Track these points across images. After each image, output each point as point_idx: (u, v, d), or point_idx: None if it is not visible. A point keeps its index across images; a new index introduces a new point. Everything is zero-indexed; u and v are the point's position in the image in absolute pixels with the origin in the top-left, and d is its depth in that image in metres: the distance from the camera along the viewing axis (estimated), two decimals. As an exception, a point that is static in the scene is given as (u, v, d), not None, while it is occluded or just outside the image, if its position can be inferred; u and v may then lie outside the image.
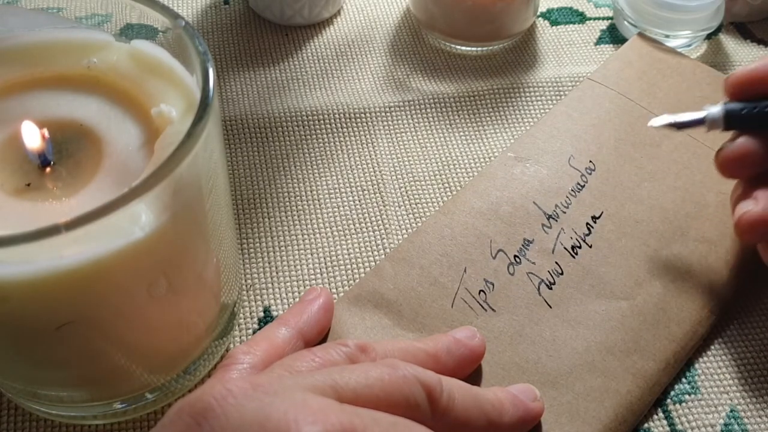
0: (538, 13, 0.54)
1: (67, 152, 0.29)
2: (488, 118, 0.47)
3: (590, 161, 0.42)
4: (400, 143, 0.45)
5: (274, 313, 0.38)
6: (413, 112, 0.47)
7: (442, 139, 0.46)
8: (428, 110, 0.47)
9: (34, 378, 0.31)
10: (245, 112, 0.46)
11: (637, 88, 0.46)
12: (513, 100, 0.48)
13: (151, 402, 0.33)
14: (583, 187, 0.41)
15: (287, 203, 0.42)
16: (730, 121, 0.36)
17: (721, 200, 0.41)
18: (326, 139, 0.45)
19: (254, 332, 0.37)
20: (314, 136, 0.45)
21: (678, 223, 0.40)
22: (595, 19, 0.54)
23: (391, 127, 0.46)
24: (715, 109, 0.37)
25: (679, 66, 0.47)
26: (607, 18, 0.54)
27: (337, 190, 0.43)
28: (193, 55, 0.29)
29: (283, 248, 0.40)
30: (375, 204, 0.42)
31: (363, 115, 0.47)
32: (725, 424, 0.35)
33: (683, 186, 0.41)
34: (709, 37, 0.53)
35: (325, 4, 0.51)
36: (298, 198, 0.42)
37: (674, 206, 0.40)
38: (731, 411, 0.35)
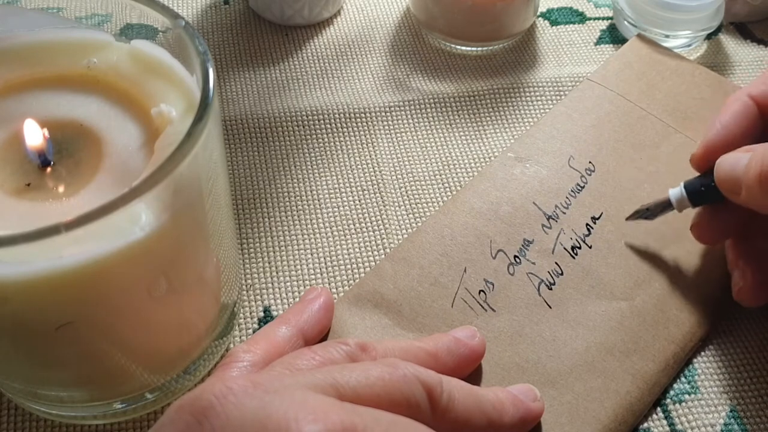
0: (538, 13, 0.54)
1: (67, 152, 0.29)
2: (488, 118, 0.47)
3: (590, 162, 0.42)
4: (400, 143, 0.45)
5: (274, 313, 0.38)
6: (413, 112, 0.47)
7: (442, 139, 0.46)
8: (428, 110, 0.47)
9: (34, 378, 0.31)
10: (245, 112, 0.46)
11: (637, 89, 0.46)
12: (513, 100, 0.48)
13: (151, 402, 0.33)
14: (582, 188, 0.41)
15: (287, 203, 0.42)
16: (693, 197, 0.37)
17: None
18: (326, 139, 0.45)
19: (254, 332, 0.37)
20: (314, 136, 0.45)
21: (677, 224, 0.40)
22: (595, 19, 0.54)
23: (391, 127, 0.46)
24: (677, 191, 0.37)
25: (678, 68, 0.47)
26: (607, 18, 0.54)
27: (337, 190, 0.43)
28: (193, 55, 0.29)
29: (283, 248, 0.40)
30: (375, 204, 0.42)
31: (363, 115, 0.47)
32: (725, 424, 0.35)
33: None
34: (709, 37, 0.53)
35: (325, 4, 0.51)
36: (298, 198, 0.42)
37: None
38: (731, 411, 0.35)
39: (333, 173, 0.44)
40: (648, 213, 0.39)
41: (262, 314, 0.38)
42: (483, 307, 0.36)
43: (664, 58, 0.48)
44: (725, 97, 0.41)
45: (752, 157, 0.33)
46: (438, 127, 0.47)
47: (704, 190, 0.36)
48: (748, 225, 0.37)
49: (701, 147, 0.37)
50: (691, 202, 0.37)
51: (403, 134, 0.46)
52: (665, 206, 0.38)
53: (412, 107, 0.47)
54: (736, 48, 0.53)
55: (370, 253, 0.40)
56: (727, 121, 0.37)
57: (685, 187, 0.37)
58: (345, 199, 0.43)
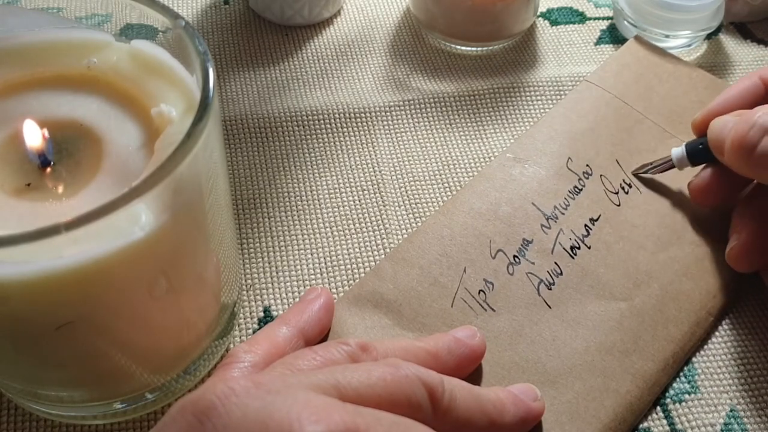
0: (538, 13, 0.54)
1: (67, 152, 0.29)
2: (488, 118, 0.47)
3: (587, 165, 0.42)
4: (400, 143, 0.45)
5: (274, 313, 0.38)
6: (413, 112, 0.47)
7: (442, 139, 0.46)
8: (428, 110, 0.47)
9: (34, 378, 0.31)
10: (245, 112, 0.46)
11: (634, 91, 0.46)
12: (513, 100, 0.48)
13: (151, 402, 0.33)
14: (580, 190, 0.41)
15: (287, 203, 0.42)
16: (692, 157, 0.40)
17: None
18: (326, 139, 0.45)
19: (254, 332, 0.37)
20: (314, 136, 0.45)
21: (674, 227, 0.40)
22: (595, 19, 0.54)
23: (391, 127, 0.46)
24: (678, 150, 0.41)
25: (675, 70, 0.47)
26: (607, 18, 0.54)
27: (337, 190, 0.43)
28: (193, 55, 0.29)
29: (283, 248, 0.40)
30: (375, 204, 0.42)
31: (363, 115, 0.47)
32: (725, 424, 0.35)
33: (679, 191, 0.41)
34: (709, 37, 0.53)
35: (325, 4, 0.51)
36: (298, 198, 0.42)
37: (670, 211, 0.41)
38: (731, 411, 0.35)
39: (333, 173, 0.44)
40: (652, 168, 0.41)
41: (262, 314, 0.38)
42: (483, 307, 0.36)
43: (662, 60, 0.48)
44: None
45: (736, 121, 0.36)
46: (438, 127, 0.47)
47: (701, 148, 0.39)
48: (756, 188, 0.39)
49: (702, 112, 0.40)
50: (690, 161, 0.40)
51: (403, 134, 0.46)
52: (667, 163, 0.41)
53: (412, 107, 0.47)
54: (736, 48, 0.53)
55: (370, 253, 0.40)
56: (732, 94, 0.40)
57: (685, 145, 0.40)
58: (345, 199, 0.43)
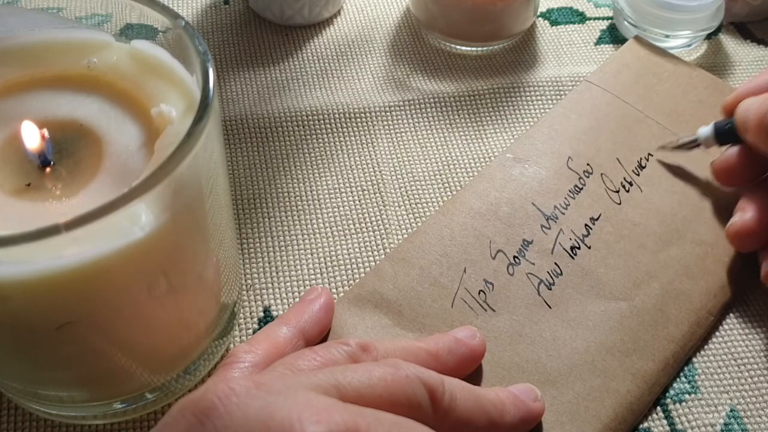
0: (538, 13, 0.54)
1: (67, 152, 0.29)
2: (488, 118, 0.47)
3: (588, 164, 0.42)
4: (400, 143, 0.45)
5: (274, 313, 0.38)
6: (413, 112, 0.47)
7: (442, 139, 0.46)
8: (428, 110, 0.47)
9: (34, 378, 0.31)
10: (245, 112, 0.46)
11: (634, 91, 0.46)
12: (513, 100, 0.48)
13: (151, 402, 0.33)
14: (581, 189, 0.41)
15: (287, 203, 0.42)
16: (719, 136, 0.40)
17: (717, 203, 0.41)
18: (326, 139, 0.45)
19: (254, 332, 0.37)
20: (314, 136, 0.45)
21: (675, 226, 0.40)
22: (595, 19, 0.54)
23: (391, 127, 0.46)
24: (706, 128, 0.41)
25: (675, 70, 0.47)
26: (607, 18, 0.54)
27: (337, 190, 0.43)
28: (193, 55, 0.29)
29: (283, 248, 0.40)
30: (375, 204, 0.42)
31: (363, 115, 0.47)
32: (725, 424, 0.35)
33: (680, 190, 0.41)
34: (709, 37, 0.53)
35: (325, 4, 0.51)
36: (298, 198, 0.42)
37: (671, 209, 0.41)
38: (731, 411, 0.35)
39: (333, 173, 0.44)
40: (678, 146, 0.42)
41: (262, 314, 0.38)
42: (483, 307, 0.36)
43: (662, 60, 0.48)
44: (722, 98, 0.42)
45: (762, 101, 0.37)
46: (438, 127, 0.47)
47: (729, 128, 0.40)
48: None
49: (733, 94, 0.41)
50: (717, 140, 0.40)
51: (403, 134, 0.46)
52: (693, 142, 0.41)
53: (412, 107, 0.47)
54: (736, 48, 0.53)
55: (370, 253, 0.40)
56: (765, 77, 0.40)
57: (714, 124, 0.41)
58: (345, 199, 0.43)
